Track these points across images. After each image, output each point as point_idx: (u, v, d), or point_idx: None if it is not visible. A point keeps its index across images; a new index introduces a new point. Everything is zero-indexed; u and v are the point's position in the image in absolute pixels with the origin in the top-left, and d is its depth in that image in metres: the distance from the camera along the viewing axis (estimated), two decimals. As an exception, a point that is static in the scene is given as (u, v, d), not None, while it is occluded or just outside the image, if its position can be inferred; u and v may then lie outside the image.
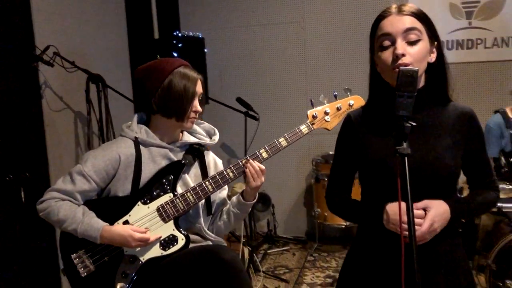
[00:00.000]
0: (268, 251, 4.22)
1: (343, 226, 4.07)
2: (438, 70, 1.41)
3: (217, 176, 1.74)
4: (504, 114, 3.27)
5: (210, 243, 1.86)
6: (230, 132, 4.25)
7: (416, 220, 1.27)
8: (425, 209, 1.32)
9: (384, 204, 1.37)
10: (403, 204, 1.19)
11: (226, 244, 1.97)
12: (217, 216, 1.96)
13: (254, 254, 3.64)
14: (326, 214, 4.03)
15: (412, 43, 1.33)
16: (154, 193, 1.74)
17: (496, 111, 3.33)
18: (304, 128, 1.77)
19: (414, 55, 1.32)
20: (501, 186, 2.92)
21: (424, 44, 1.35)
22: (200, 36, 4.16)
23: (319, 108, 1.79)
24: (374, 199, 1.43)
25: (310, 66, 4.38)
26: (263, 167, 1.77)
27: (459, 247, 1.48)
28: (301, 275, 3.70)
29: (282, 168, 4.41)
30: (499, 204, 2.38)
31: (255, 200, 1.86)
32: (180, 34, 4.07)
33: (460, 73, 3.97)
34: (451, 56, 3.97)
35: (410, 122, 1.18)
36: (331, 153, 4.18)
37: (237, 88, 4.42)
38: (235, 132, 4.14)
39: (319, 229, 4.27)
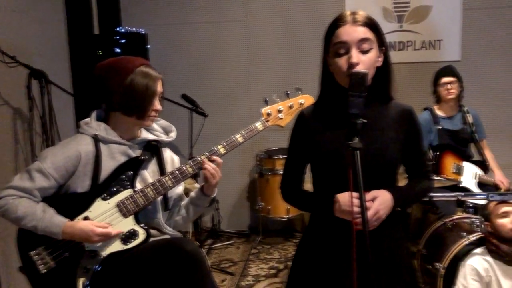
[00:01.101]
0: (213, 246, 4.30)
1: (285, 219, 4.24)
2: (383, 72, 1.56)
3: (176, 172, 1.80)
4: (431, 111, 3.55)
5: (168, 237, 1.91)
6: (176, 129, 4.25)
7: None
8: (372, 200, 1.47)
9: (335, 194, 1.50)
10: (354, 194, 1.33)
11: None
12: (175, 211, 2.01)
13: (201, 249, 3.70)
14: (269, 207, 4.16)
15: (364, 52, 1.47)
16: (114, 189, 1.77)
17: (425, 109, 3.61)
18: (259, 125, 1.87)
19: (366, 62, 1.47)
20: (438, 177, 3.19)
21: (374, 52, 1.50)
22: (143, 32, 4.14)
23: (273, 106, 1.90)
24: (326, 189, 1.55)
25: (253, 65, 4.49)
26: (220, 160, 1.85)
27: (400, 232, 1.64)
28: (246, 267, 3.81)
29: (226, 164, 4.39)
30: (431, 193, 2.61)
31: (214, 194, 1.94)
32: (122, 30, 4.03)
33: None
34: (384, 57, 4.25)
35: (361, 119, 1.32)
36: (274, 148, 4.33)
37: (181, 85, 4.44)
38: (180, 130, 4.11)
39: (262, 223, 4.40)
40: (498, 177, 3.47)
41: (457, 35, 4.24)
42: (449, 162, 3.45)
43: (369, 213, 1.43)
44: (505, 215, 2.38)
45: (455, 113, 3.53)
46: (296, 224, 4.59)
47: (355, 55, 1.45)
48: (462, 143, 3.53)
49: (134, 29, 4.11)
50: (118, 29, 4.06)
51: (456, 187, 3.35)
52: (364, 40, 1.47)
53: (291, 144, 1.68)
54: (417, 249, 3.05)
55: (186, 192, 2.11)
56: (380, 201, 1.46)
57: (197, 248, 1.70)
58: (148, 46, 4.19)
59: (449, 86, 3.43)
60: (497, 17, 4.22)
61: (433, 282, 2.76)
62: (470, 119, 3.52)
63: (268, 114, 1.88)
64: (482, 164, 3.53)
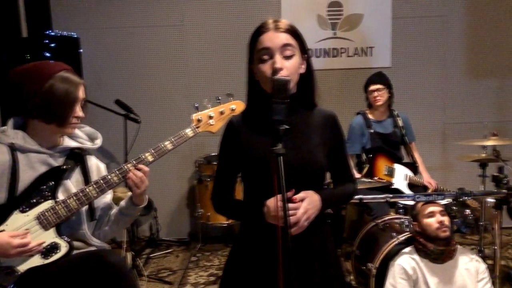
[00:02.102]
0: (151, 255, 4.20)
1: (225, 225, 4.22)
2: (307, 79, 1.59)
3: (101, 181, 1.73)
4: (364, 115, 3.68)
5: (95, 248, 1.83)
6: (110, 136, 4.12)
7: (294, 210, 1.44)
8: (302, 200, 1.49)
9: (264, 200, 1.51)
10: (281, 198, 1.34)
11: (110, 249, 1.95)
12: (103, 221, 1.93)
13: (137, 259, 3.60)
14: (208, 214, 4.13)
15: (287, 57, 1.50)
16: (33, 201, 1.67)
17: (358, 113, 3.73)
18: (189, 131, 1.84)
19: (290, 68, 1.49)
20: (362, 179, 3.30)
21: (297, 58, 1.53)
22: (75, 36, 4.00)
23: (203, 112, 1.88)
24: (255, 196, 1.55)
25: (190, 70, 4.45)
26: (146, 168, 1.80)
27: (329, 237, 1.67)
28: (185, 276, 3.75)
29: (164, 171, 4.40)
30: (360, 196, 2.68)
31: (145, 203, 1.88)
32: (52, 33, 3.87)
33: (327, 79, 4.37)
34: (319, 63, 4.36)
35: (284, 125, 1.33)
36: (213, 154, 4.30)
37: (116, 90, 4.32)
38: (114, 136, 4.02)
39: (202, 230, 4.36)
40: (426, 178, 3.64)
41: (388, 42, 4.42)
42: (382, 165, 3.58)
43: (299, 213, 1.44)
44: (431, 215, 2.49)
45: (386, 117, 3.67)
46: (236, 229, 4.57)
47: (279, 61, 1.48)
48: (393, 146, 3.67)
49: (65, 32, 3.96)
50: (47, 32, 3.89)
51: (388, 188, 3.47)
52: (286, 45, 1.50)
53: (221, 153, 1.67)
54: (351, 250, 3.13)
55: (119, 201, 2.04)
56: (309, 202, 1.48)
57: (121, 260, 1.65)
58: (81, 50, 4.05)
59: (375, 93, 3.56)
60: (424, 26, 4.44)
61: (366, 282, 2.84)
62: (400, 122, 3.67)
63: (199, 120, 1.86)
64: (412, 166, 3.69)
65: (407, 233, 2.71)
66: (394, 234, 2.81)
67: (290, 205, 1.43)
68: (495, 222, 2.75)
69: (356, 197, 2.68)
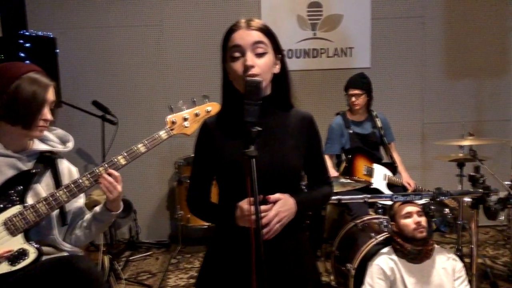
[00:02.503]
0: (131, 258, 4.14)
1: (206, 226, 4.18)
2: (281, 79, 1.57)
3: (72, 185, 1.69)
4: (344, 116, 3.68)
5: (66, 254, 1.79)
6: (87, 137, 4.07)
7: (265, 212, 1.42)
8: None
9: (236, 203, 1.49)
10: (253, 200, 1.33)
11: (83, 254, 1.91)
12: (76, 226, 1.89)
13: (116, 262, 3.55)
14: (188, 216, 4.09)
15: (259, 55, 1.48)
16: (1, 206, 1.63)
17: (337, 113, 3.74)
18: (163, 134, 1.81)
19: (262, 66, 1.47)
20: (341, 180, 3.30)
21: (269, 56, 1.50)
22: (51, 36, 3.93)
23: (178, 114, 1.85)
24: (230, 199, 1.53)
25: (170, 70, 4.41)
26: (117, 174, 1.75)
27: (305, 242, 1.66)
28: (165, 278, 3.71)
29: (143, 172, 4.35)
30: (338, 197, 2.68)
31: (120, 210, 1.84)
32: (27, 33, 3.79)
33: (307, 79, 4.37)
34: (299, 64, 4.35)
35: (256, 127, 1.32)
36: (193, 155, 4.24)
37: (93, 91, 4.25)
38: (92, 137, 3.96)
39: (182, 231, 4.32)
40: (405, 178, 3.66)
41: (367, 43, 4.44)
42: (361, 165, 3.59)
43: (270, 214, 1.43)
44: (408, 215, 2.50)
45: (364, 118, 3.68)
46: (217, 231, 4.54)
47: (250, 58, 1.46)
48: (373, 147, 3.68)
49: (40, 32, 3.89)
50: (22, 32, 3.81)
51: (368, 188, 3.48)
52: (258, 43, 1.48)
53: (196, 155, 1.64)
54: (331, 250, 3.13)
55: (95, 204, 2.00)
56: (282, 204, 1.47)
57: (91, 266, 1.61)
58: (57, 50, 3.98)
59: (353, 98, 3.57)
60: (403, 27, 4.47)
61: (346, 282, 2.84)
62: (379, 123, 3.69)
63: (173, 122, 1.83)
64: (391, 166, 3.71)
65: (385, 233, 2.71)
66: (373, 234, 2.82)
67: (262, 207, 1.42)
68: (472, 221, 2.77)
69: (335, 197, 2.67)
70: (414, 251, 2.45)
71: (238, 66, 1.47)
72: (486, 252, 4.07)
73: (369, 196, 2.71)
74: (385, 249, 2.58)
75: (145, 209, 4.49)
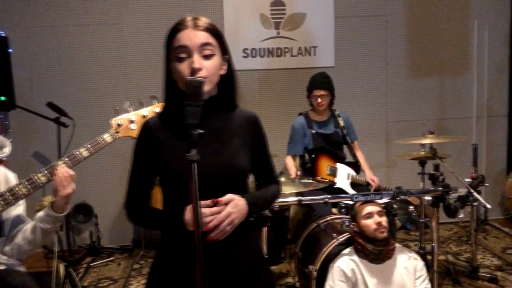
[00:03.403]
0: (92, 264, 4.01)
1: (169, 230, 4.08)
2: (228, 80, 1.51)
3: (7, 193, 1.58)
4: (306, 116, 3.64)
5: (3, 267, 1.68)
6: (44, 140, 3.92)
7: (216, 214, 1.38)
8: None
9: (184, 207, 1.42)
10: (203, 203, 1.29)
11: (23, 266, 1.80)
12: (16, 235, 1.78)
13: (72, 270, 3.41)
14: (151, 219, 3.98)
15: (207, 57, 1.42)
16: None
17: (300, 114, 3.70)
18: (107, 137, 1.73)
19: (209, 68, 1.41)
20: (304, 180, 3.25)
21: (217, 58, 1.44)
22: (3, 35, 3.76)
23: (124, 116, 1.77)
24: (175, 203, 1.46)
25: (130, 70, 4.29)
26: (72, 172, 1.67)
27: (258, 244, 1.61)
28: (126, 284, 3.60)
29: (104, 176, 4.22)
30: (299, 197, 2.64)
31: (66, 212, 1.75)
32: (-24, 32, 3.62)
33: (271, 79, 4.33)
34: (263, 63, 4.31)
35: (198, 130, 1.25)
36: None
37: (50, 91, 4.10)
38: (49, 140, 3.82)
39: (145, 236, 4.21)
40: (369, 175, 3.65)
41: (331, 42, 4.43)
42: (324, 165, 3.57)
43: (220, 216, 1.38)
44: (369, 216, 2.47)
45: (327, 117, 3.65)
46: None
47: (197, 60, 1.39)
48: (336, 146, 3.66)
49: (-9, 31, 3.72)
50: (-31, 30, 3.64)
51: (332, 188, 3.45)
52: (206, 44, 1.42)
53: (135, 158, 1.56)
54: (294, 252, 3.09)
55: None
56: (233, 205, 1.42)
57: (27, 281, 1.51)
58: (10, 50, 3.81)
59: (319, 99, 3.53)
60: (366, 25, 4.48)
61: (308, 284, 2.80)
62: (341, 122, 3.67)
63: (119, 125, 1.75)
64: (355, 165, 3.70)
65: (347, 234, 2.69)
66: (335, 234, 2.79)
67: (213, 208, 1.37)
68: (433, 219, 2.78)
69: (295, 198, 2.64)
70: (375, 251, 2.42)
71: (184, 67, 1.40)
72: (450, 248, 4.11)
73: (329, 196, 2.68)
74: (347, 250, 2.55)
75: (107, 213, 4.36)
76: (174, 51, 1.44)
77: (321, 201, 2.69)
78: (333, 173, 3.54)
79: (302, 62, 4.40)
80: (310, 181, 3.01)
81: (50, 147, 3.94)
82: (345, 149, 3.76)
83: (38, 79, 4.20)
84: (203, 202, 1.37)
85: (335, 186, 3.49)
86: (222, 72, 1.49)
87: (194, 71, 1.38)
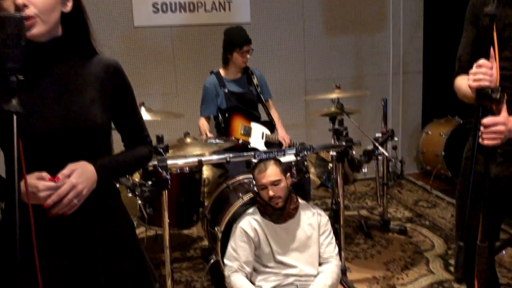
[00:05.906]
0: None
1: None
2: (76, 20, 1.32)
3: None
4: (218, 75, 3.47)
5: None
6: None
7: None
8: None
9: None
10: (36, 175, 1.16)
11: None
12: None
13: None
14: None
15: None
16: None
17: (211, 72, 3.52)
18: None
19: (38, 4, 1.20)
20: (217, 140, 3.11)
21: None
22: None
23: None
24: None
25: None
26: None
27: (123, 216, 1.47)
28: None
29: None
30: (199, 158, 2.50)
31: None
32: None
33: (183, 36, 4.11)
34: (175, 18, 4.07)
35: (19, 75, 1.06)
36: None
37: None
38: None
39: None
40: (281, 134, 3.57)
41: (246, -4, 4.24)
42: (238, 124, 3.45)
43: (63, 189, 1.20)
44: (263, 187, 2.37)
45: (240, 75, 3.50)
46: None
47: None
48: (250, 105, 3.53)
49: None
50: None
51: (246, 148, 3.36)
52: None
53: None
54: (204, 214, 3.00)
55: None
56: (78, 175, 1.24)
57: None
58: None
59: (248, 55, 3.35)
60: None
61: (214, 246, 2.74)
62: (255, 80, 3.54)
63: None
64: (270, 124, 3.61)
65: (250, 194, 2.61)
66: (240, 194, 2.71)
67: (51, 183, 1.19)
68: (337, 174, 2.76)
69: (195, 159, 2.50)
70: (277, 212, 2.36)
71: (8, 4, 1.18)
72: (366, 203, 4.19)
73: (231, 155, 2.57)
74: (251, 210, 2.48)
75: None
76: None
77: (223, 161, 2.57)
78: (247, 133, 3.44)
79: (216, 18, 4.19)
80: (217, 141, 2.87)
81: None
82: (260, 108, 3.66)
83: None
84: (36, 174, 1.19)
85: (250, 146, 3.41)
86: (66, 9, 1.28)
87: (18, 8, 1.16)
